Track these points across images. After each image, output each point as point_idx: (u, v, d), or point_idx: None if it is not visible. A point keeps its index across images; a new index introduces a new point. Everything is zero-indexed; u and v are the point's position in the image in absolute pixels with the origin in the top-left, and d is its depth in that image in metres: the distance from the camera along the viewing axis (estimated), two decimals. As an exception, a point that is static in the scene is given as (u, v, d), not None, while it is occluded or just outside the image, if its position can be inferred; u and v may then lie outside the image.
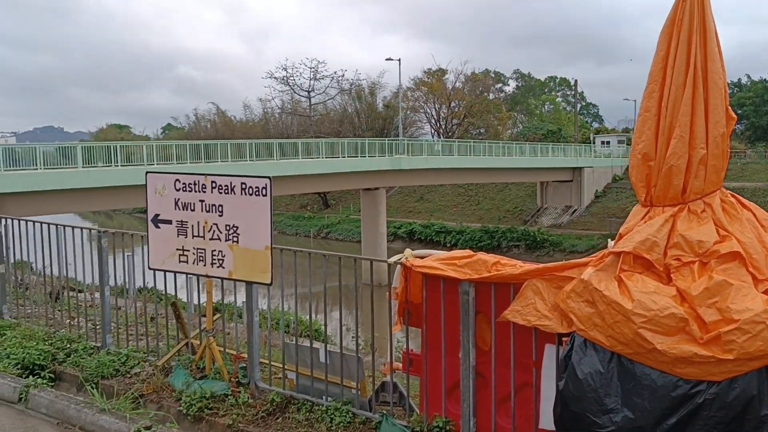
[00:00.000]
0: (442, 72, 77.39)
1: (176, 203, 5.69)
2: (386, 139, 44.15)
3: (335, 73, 71.85)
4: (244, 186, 5.31)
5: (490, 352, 4.41)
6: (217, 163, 32.18)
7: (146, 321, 6.58)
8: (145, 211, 5.86)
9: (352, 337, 5.91)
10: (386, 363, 5.18)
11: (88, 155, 28.90)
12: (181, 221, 5.68)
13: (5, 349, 6.21)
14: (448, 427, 4.48)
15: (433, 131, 76.21)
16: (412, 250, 4.86)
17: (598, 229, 50.27)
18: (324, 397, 5.09)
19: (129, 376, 5.87)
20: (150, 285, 6.91)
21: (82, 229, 6.68)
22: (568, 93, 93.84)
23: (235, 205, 5.37)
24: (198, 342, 5.93)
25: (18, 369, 5.90)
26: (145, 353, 6.22)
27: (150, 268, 5.90)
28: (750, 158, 56.49)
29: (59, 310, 7.62)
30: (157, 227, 5.81)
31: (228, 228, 5.43)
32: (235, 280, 5.50)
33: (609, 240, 3.81)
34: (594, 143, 65.55)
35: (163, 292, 6.48)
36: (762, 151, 57.51)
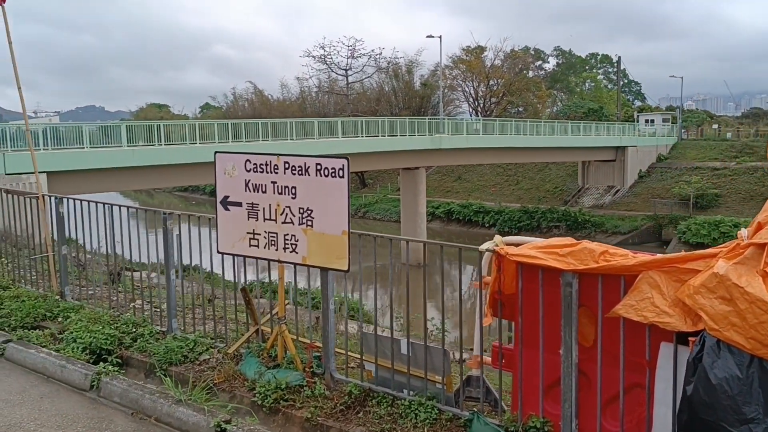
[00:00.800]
0: (480, 49, 76.14)
1: (246, 185, 5.44)
2: (426, 117, 43.56)
3: (372, 51, 71.35)
4: (319, 167, 5.02)
5: (592, 349, 4.08)
6: (257, 141, 32.02)
7: (212, 306, 6.38)
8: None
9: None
10: (472, 356, 4.88)
11: (130, 134, 28.99)
12: (252, 203, 5.43)
13: (71, 333, 6.08)
14: (546, 428, 4.17)
15: (471, 110, 75.20)
16: (502, 236, 4.54)
17: (641, 210, 49.16)
18: (404, 391, 4.83)
19: (198, 362, 5.68)
20: (209, 268, 6.73)
21: (146, 210, 6.48)
22: (610, 70, 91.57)
23: (309, 187, 5.09)
24: (268, 329, 5.71)
25: (86, 354, 5.76)
26: (212, 339, 6.03)
27: (219, 252, 5.68)
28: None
29: (120, 292, 7.49)
30: (227, 209, 5.57)
31: (302, 211, 5.16)
32: (308, 266, 5.25)
33: (742, 229, 3.42)
34: (637, 122, 63.88)
35: (230, 277, 6.27)
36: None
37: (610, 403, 4.03)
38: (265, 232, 5.39)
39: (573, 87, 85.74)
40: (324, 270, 5.16)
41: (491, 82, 75.29)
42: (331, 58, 70.80)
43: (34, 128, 27.09)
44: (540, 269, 4.13)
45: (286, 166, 5.21)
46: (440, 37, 48.43)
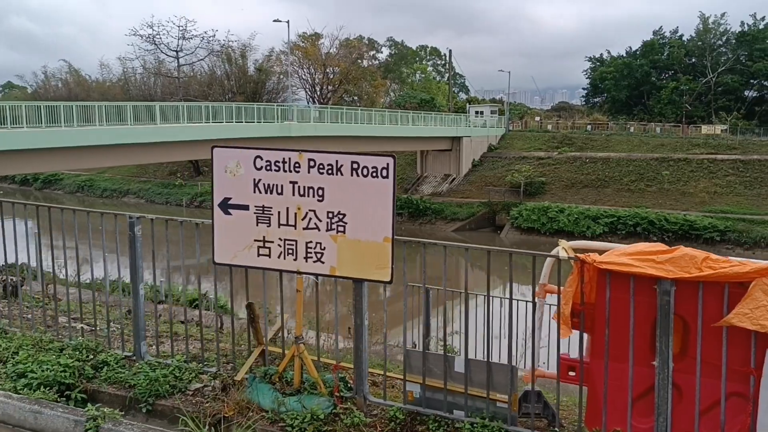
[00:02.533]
0: (317, 36, 75.74)
1: (256, 185, 4.69)
2: (275, 104, 42.35)
3: (205, 33, 68.11)
4: (356, 166, 4.45)
5: (684, 359, 3.96)
6: (72, 127, 28.55)
7: (185, 325, 5.50)
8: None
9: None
10: (528, 370, 4.59)
11: None
12: (263, 207, 4.70)
13: (14, 365, 4.92)
14: (637, 442, 3.99)
15: (308, 97, 74.59)
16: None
17: (477, 197, 51.75)
18: (453, 412, 4.43)
19: (190, 393, 4.84)
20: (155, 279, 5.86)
21: (115, 215, 5.41)
22: (438, 63, 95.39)
23: (341, 188, 4.49)
24: (275, 350, 5.00)
25: (42, 391, 4.68)
26: (199, 363, 5.18)
27: (215, 263, 4.86)
28: (612, 130, 60.28)
29: (51, 312, 6.25)
30: (227, 214, 4.78)
31: (331, 215, 4.54)
32: (337, 278, 4.64)
33: None
34: (468, 113, 67.11)
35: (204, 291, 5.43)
36: (623, 124, 61.61)
37: (704, 414, 3.94)
38: (280, 239, 4.69)
39: (405, 77, 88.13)
40: (358, 281, 4.58)
41: (328, 70, 75.20)
42: (161, 38, 66.59)
43: None
44: (631, 277, 3.93)
45: (311, 163, 4.56)
46: (288, 21, 47.38)
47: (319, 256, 4.61)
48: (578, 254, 4.08)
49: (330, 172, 4.51)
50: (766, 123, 61.47)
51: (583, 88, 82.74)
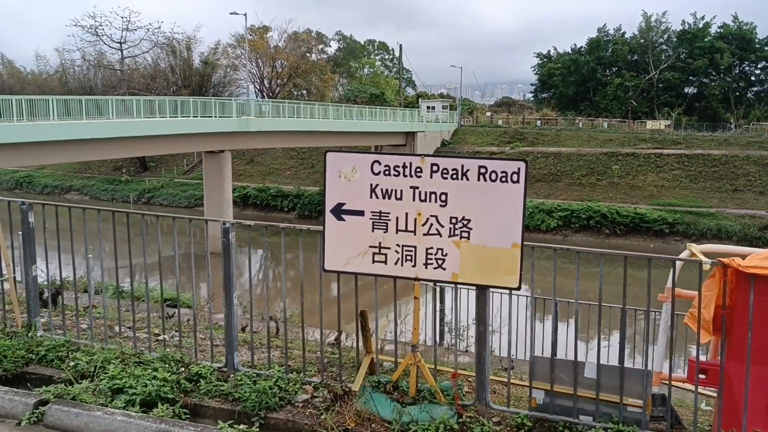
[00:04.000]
0: (265, 29, 74.64)
1: (373, 190, 4.57)
2: (233, 99, 41.57)
3: (150, 24, 66.25)
4: (483, 170, 4.37)
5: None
6: (22, 122, 27.22)
7: (281, 331, 5.31)
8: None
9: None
10: (655, 372, 4.62)
11: None
12: (380, 212, 4.58)
13: (109, 381, 4.65)
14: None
15: (257, 91, 73.44)
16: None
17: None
18: (581, 418, 4.42)
19: (299, 405, 4.68)
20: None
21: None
22: (386, 57, 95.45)
23: (466, 192, 4.41)
24: (385, 359, 4.89)
25: (161, 409, 4.43)
26: (299, 373, 5.00)
27: (325, 270, 4.71)
28: (561, 125, 61.65)
29: (105, 321, 5.92)
30: (341, 219, 4.64)
31: (454, 221, 4.46)
32: (459, 284, 4.56)
33: None
34: (419, 108, 67.42)
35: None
36: (571, 119, 63.09)
37: None
38: (398, 245, 4.58)
39: (353, 72, 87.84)
40: (482, 288, 4.52)
41: (276, 64, 74.25)
42: (103, 29, 64.41)
43: None
44: (774, 280, 3.99)
45: (434, 168, 4.46)
46: (245, 14, 46.51)
47: (440, 262, 4.52)
48: (721, 259, 4.12)
49: (455, 176, 4.42)
50: (705, 118, 64.02)
51: (531, 84, 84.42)
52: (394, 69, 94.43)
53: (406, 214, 4.54)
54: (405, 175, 4.51)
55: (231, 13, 47.24)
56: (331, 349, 6.06)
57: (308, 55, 77.85)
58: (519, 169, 4.34)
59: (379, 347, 5.01)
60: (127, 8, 70.65)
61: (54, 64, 79.25)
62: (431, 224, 4.51)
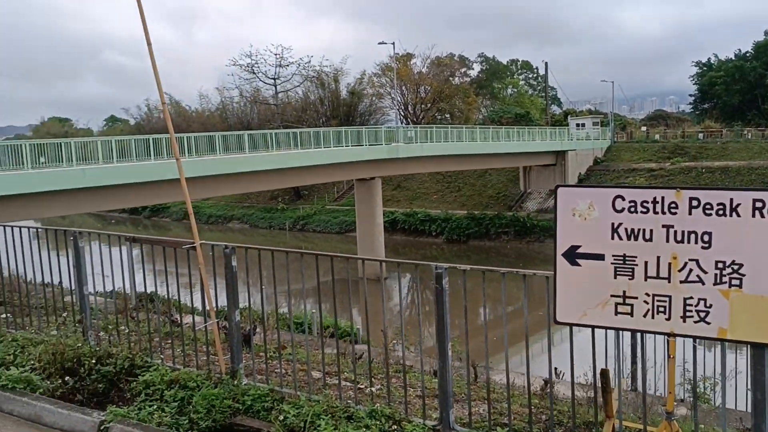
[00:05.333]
0: (408, 56, 75.74)
1: (615, 230, 3.93)
2: (383, 127, 42.30)
3: (301, 59, 69.36)
4: (760, 205, 3.59)
5: None
6: (197, 158, 29.39)
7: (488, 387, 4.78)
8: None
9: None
10: None
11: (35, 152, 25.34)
12: (624, 256, 3.92)
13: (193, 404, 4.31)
14: None
15: (401, 117, 74.43)
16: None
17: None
18: None
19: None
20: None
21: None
22: (530, 76, 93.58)
23: (737, 231, 3.65)
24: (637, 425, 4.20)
25: None
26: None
27: (557, 322, 4.12)
28: (727, 137, 56.86)
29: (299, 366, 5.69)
30: (575, 264, 4.04)
31: (721, 266, 3.71)
32: (729, 342, 3.80)
33: None
34: (569, 126, 65.09)
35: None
36: (738, 130, 58.02)
37: None
38: (648, 294, 3.89)
39: (497, 93, 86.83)
40: (758, 347, 3.73)
41: (420, 90, 74.96)
42: (259, 66, 68.27)
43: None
44: None
45: (694, 203, 3.74)
46: (393, 43, 47.50)
47: (702, 315, 3.78)
48: None
49: (720, 212, 3.69)
50: None
51: (690, 95, 78.91)
52: (539, 87, 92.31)
53: (658, 257, 3.86)
54: (655, 212, 3.84)
55: (379, 43, 48.78)
56: (538, 401, 5.44)
57: (451, 79, 77.97)
58: (809, 202, 3.53)
59: (619, 409, 4.32)
60: (279, 45, 74.18)
61: (215, 102, 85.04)
62: (690, 270, 3.79)
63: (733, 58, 70.20)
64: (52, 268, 7.08)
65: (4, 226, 6.86)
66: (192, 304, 6.71)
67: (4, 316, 8.06)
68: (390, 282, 24.89)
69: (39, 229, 7.14)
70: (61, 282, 7.55)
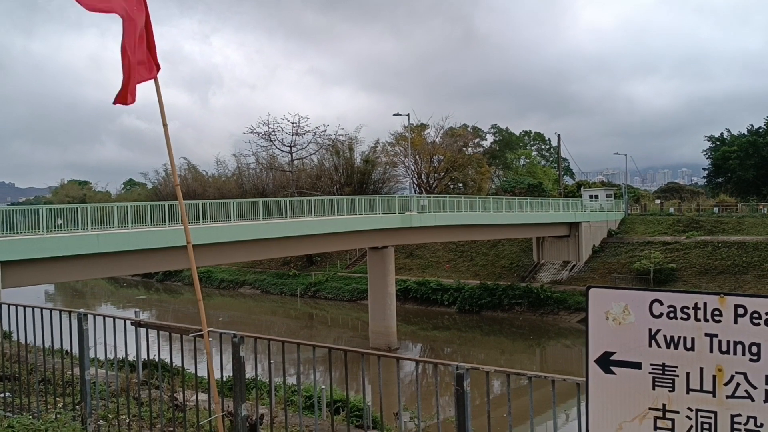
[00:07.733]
0: (422, 126, 76.76)
1: (653, 336, 3.64)
2: (396, 195, 42.40)
3: (317, 128, 70.45)
4: (814, 315, 3.31)
5: None
6: (211, 224, 29.56)
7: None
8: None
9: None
10: None
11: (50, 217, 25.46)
12: (663, 366, 3.61)
13: None
14: None
15: (414, 186, 74.83)
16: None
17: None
18: None
19: None
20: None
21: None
22: (542, 147, 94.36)
23: (788, 344, 3.35)
24: None
25: None
26: None
27: (588, 437, 3.79)
28: (742, 212, 56.46)
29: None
30: (609, 372, 3.73)
31: (772, 381, 3.39)
32: (783, 466, 3.44)
33: None
34: (582, 197, 65.06)
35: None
36: (754, 205, 57.64)
37: None
38: (690, 409, 3.56)
39: (509, 163, 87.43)
40: (817, 473, 3.37)
41: (433, 159, 75.60)
42: (275, 134, 69.32)
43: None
44: None
45: (740, 311, 3.46)
46: (408, 115, 48.09)
47: (752, 434, 3.44)
48: None
49: (769, 322, 3.40)
50: None
51: (704, 168, 79.00)
52: (551, 158, 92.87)
53: (701, 369, 3.54)
54: (697, 319, 3.56)
55: (395, 114, 49.27)
56: None
57: (464, 149, 78.71)
58: None
59: None
60: (296, 114, 75.47)
61: (231, 167, 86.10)
62: (737, 384, 3.47)
63: (746, 134, 70.52)
64: (54, 335, 6.82)
65: (9, 305, 6.66)
66: (196, 385, 6.40)
67: (2, 395, 7.79)
68: (401, 351, 24.34)
69: (43, 309, 6.91)
70: (62, 351, 7.27)
